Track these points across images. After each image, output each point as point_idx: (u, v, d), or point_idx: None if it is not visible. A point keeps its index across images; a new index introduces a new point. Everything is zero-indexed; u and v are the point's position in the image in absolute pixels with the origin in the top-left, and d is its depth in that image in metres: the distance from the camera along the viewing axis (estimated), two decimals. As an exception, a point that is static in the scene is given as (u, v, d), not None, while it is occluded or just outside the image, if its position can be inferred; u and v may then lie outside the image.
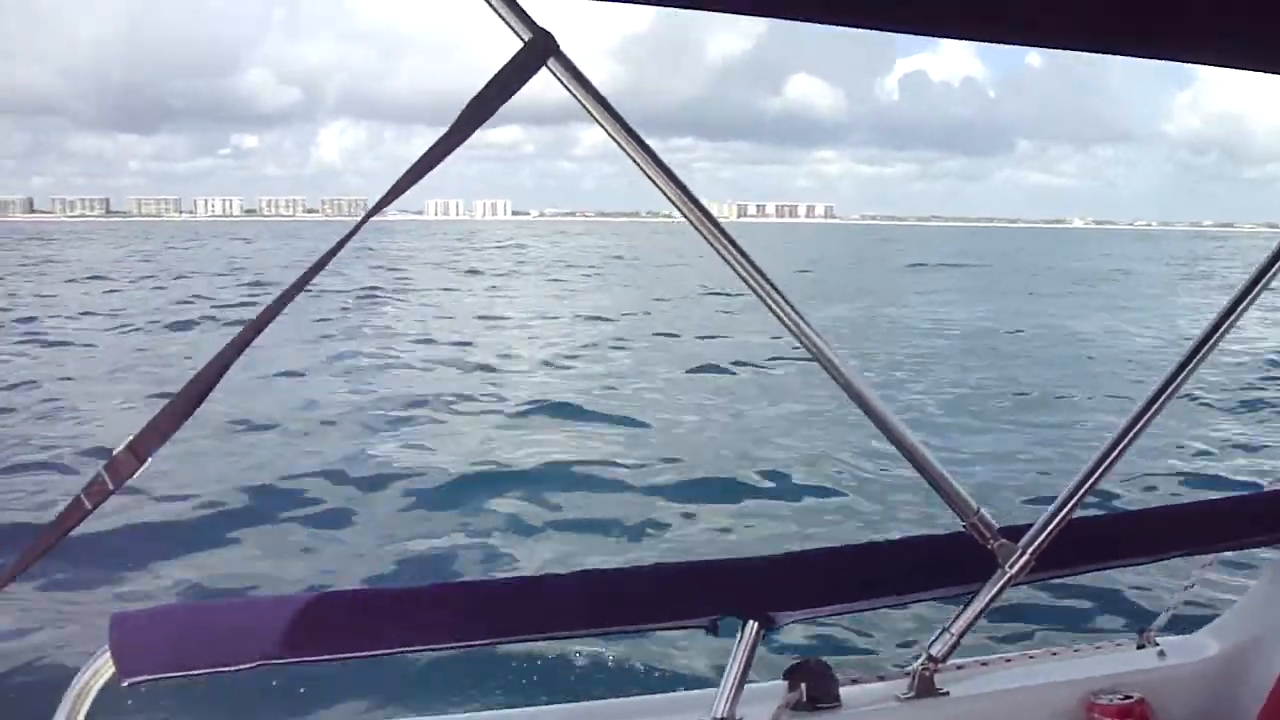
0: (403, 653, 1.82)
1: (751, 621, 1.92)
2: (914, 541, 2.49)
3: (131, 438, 1.51)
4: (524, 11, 1.60)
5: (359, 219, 1.59)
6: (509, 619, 1.85)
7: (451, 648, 1.93)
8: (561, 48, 1.62)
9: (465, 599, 1.91)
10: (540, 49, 1.60)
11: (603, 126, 1.73)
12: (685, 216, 1.83)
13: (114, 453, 1.51)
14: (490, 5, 1.59)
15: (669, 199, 1.81)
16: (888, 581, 2.17)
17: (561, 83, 1.66)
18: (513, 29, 1.60)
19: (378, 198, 1.54)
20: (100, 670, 1.59)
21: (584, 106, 1.70)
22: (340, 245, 1.55)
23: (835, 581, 2.11)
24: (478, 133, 1.53)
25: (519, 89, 1.59)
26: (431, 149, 1.55)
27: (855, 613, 2.77)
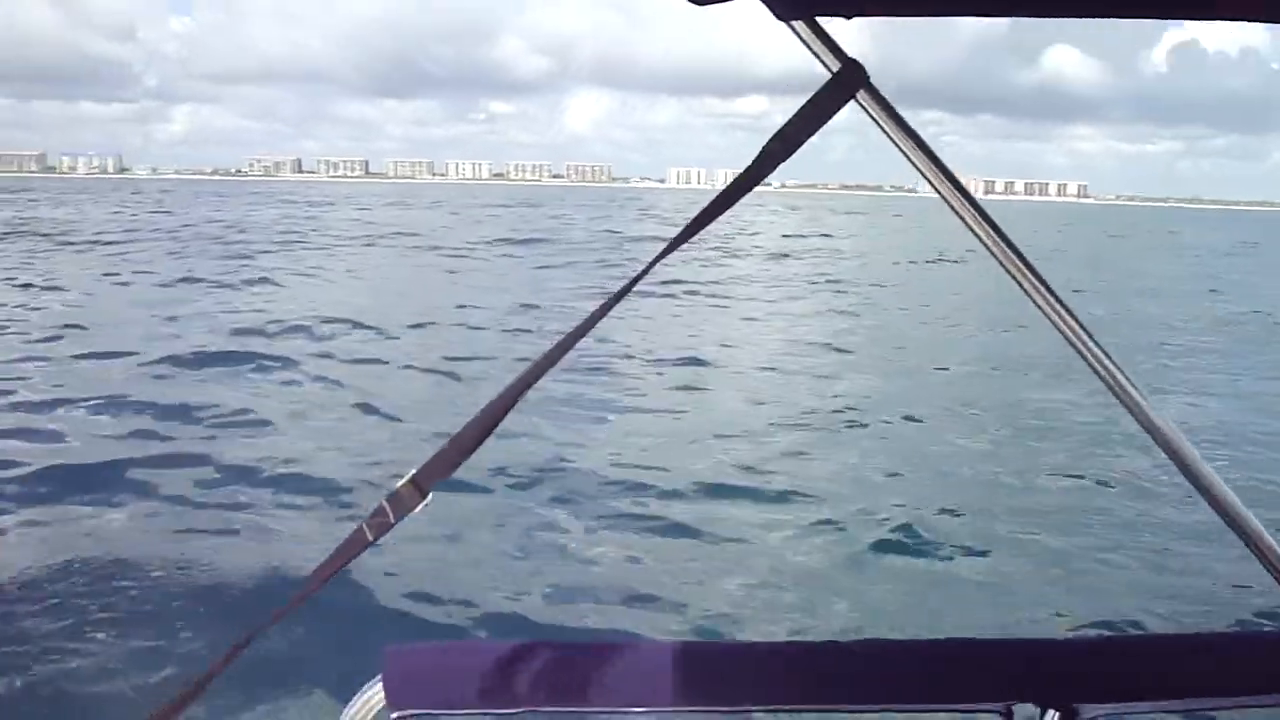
0: (680, 712, 1.72)
1: (1052, 712, 1.72)
2: (1259, 637, 2.15)
3: (415, 470, 1.53)
4: (834, 42, 1.53)
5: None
6: (788, 685, 1.72)
7: (721, 712, 1.76)
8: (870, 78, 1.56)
9: (745, 660, 1.79)
10: (850, 80, 1.52)
11: (908, 158, 1.62)
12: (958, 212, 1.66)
13: (397, 486, 1.52)
14: (799, 37, 1.53)
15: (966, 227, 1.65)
16: (1223, 679, 1.83)
17: (868, 113, 1.57)
18: (821, 60, 1.53)
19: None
20: (371, 701, 1.63)
21: (889, 137, 1.60)
22: (653, 264, 1.51)
23: (1157, 673, 1.82)
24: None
25: (827, 120, 1.50)
26: (734, 183, 1.48)
27: (1176, 712, 2.44)
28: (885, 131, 1.60)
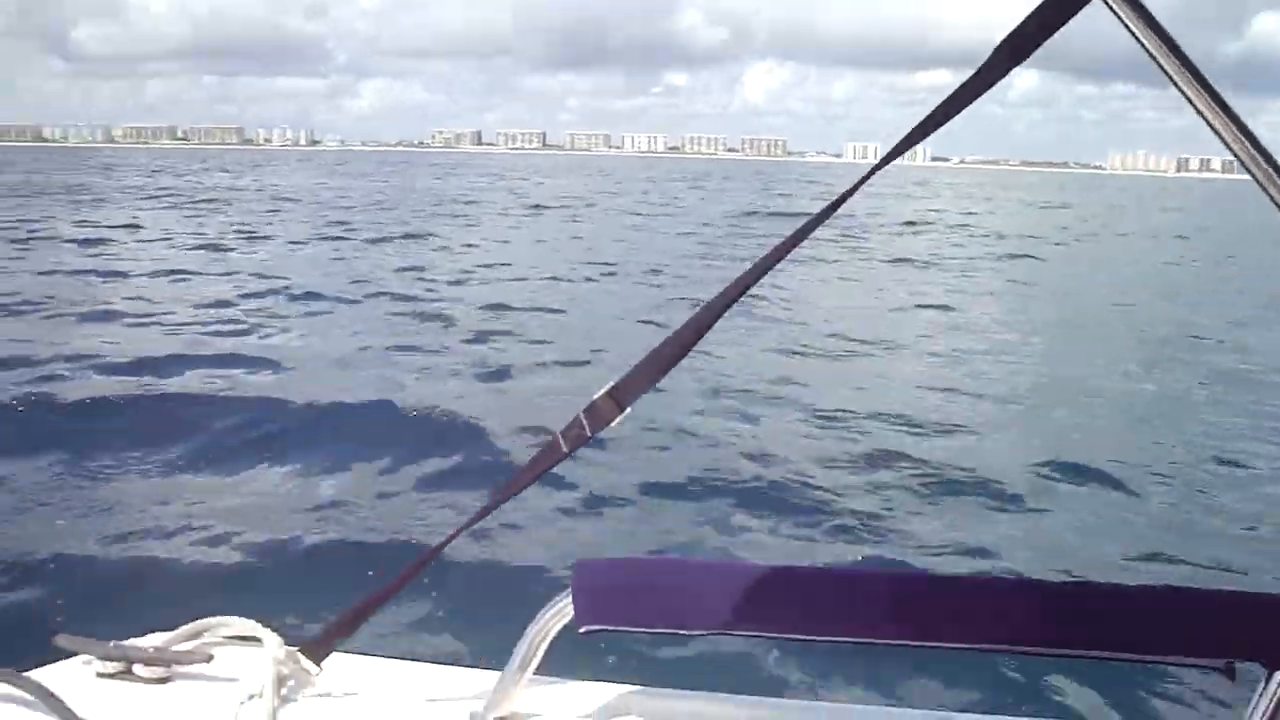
0: (876, 644, 1.57)
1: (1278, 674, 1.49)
2: None
3: (614, 383, 1.56)
4: None
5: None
6: (995, 624, 1.54)
7: (919, 647, 1.59)
8: None
9: (944, 595, 1.61)
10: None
11: (1161, 66, 1.40)
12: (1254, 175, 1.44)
13: (594, 398, 1.56)
14: None
15: (1239, 158, 1.44)
16: None
17: (1115, 12, 1.36)
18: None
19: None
20: (561, 613, 1.58)
21: (1141, 43, 1.38)
22: (847, 195, 1.52)
23: None
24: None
25: (1063, 24, 1.37)
26: (956, 93, 1.40)
27: None
28: (1136, 36, 1.39)
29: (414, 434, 9.53)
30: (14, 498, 7.47)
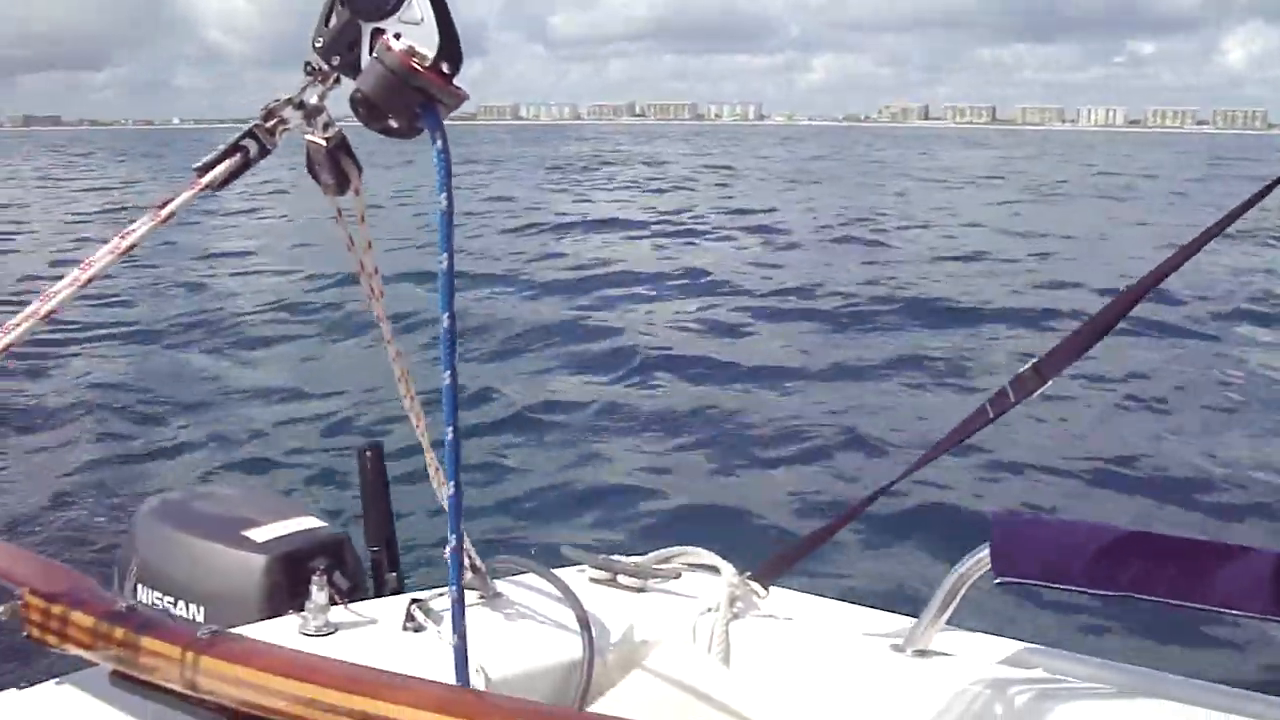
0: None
1: None
2: None
3: (1038, 358, 1.64)
4: None
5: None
6: None
7: None
8: None
9: None
10: None
11: None
12: None
13: (1021, 370, 1.66)
14: None
15: None
16: None
17: None
18: None
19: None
20: (979, 564, 1.70)
21: None
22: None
23: None
24: None
25: None
26: None
27: None
28: None
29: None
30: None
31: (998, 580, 1.68)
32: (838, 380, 10.80)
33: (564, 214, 26.79)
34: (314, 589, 1.96)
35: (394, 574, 2.57)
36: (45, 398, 9.50)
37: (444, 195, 1.20)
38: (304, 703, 1.12)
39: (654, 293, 15.70)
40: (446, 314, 1.22)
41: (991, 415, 1.72)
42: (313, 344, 12.28)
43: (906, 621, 1.88)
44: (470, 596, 2.00)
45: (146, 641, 1.26)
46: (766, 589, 2.01)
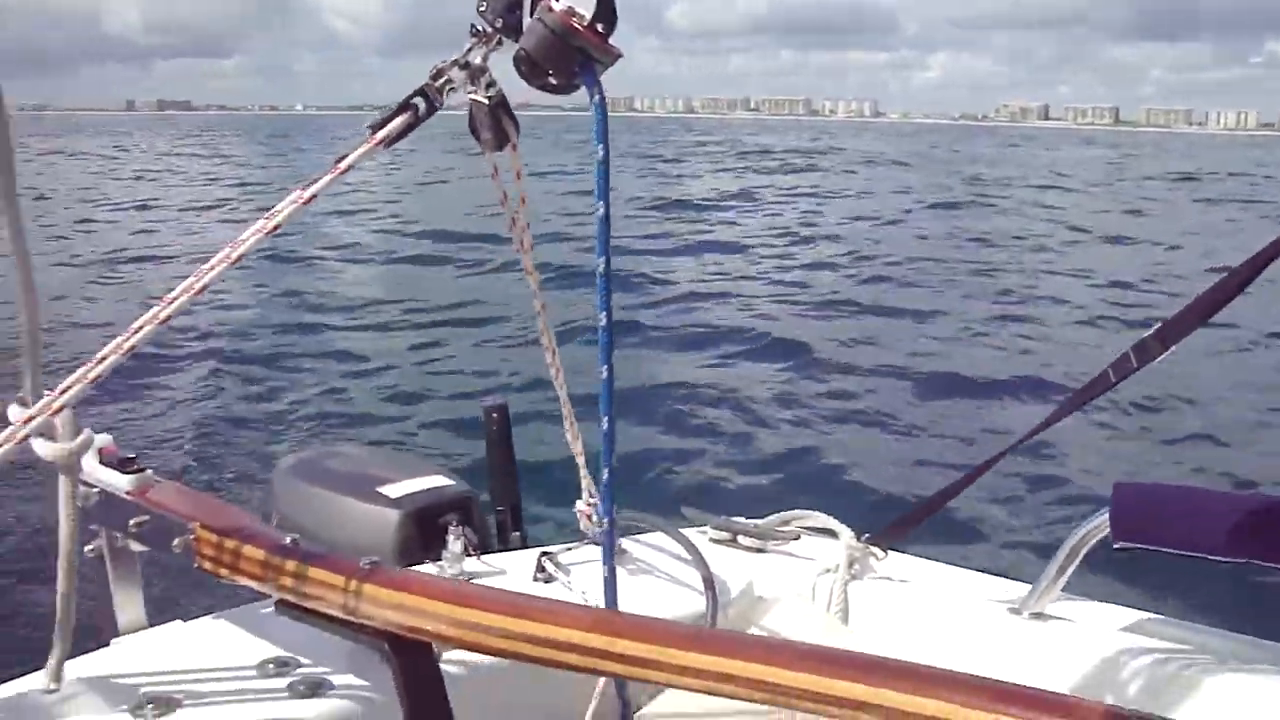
0: None
1: None
2: None
3: (1161, 324, 1.68)
4: None
5: None
6: None
7: None
8: None
9: None
10: None
11: None
12: None
13: (1144, 336, 1.69)
14: None
15: None
16: None
17: None
18: None
19: None
20: (1098, 528, 1.74)
21: None
22: None
23: None
24: None
25: None
26: None
27: None
28: None
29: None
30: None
31: (1117, 545, 1.69)
32: (958, 345, 11.08)
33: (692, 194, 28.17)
34: (450, 538, 2.06)
35: (517, 533, 2.67)
36: (183, 357, 9.90)
37: (600, 146, 1.29)
38: (464, 626, 1.20)
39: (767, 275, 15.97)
40: (602, 259, 1.31)
41: (1114, 379, 1.74)
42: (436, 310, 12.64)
43: (1022, 588, 1.91)
44: (595, 552, 2.08)
45: (313, 572, 1.34)
46: (885, 552, 2.06)
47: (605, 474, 1.44)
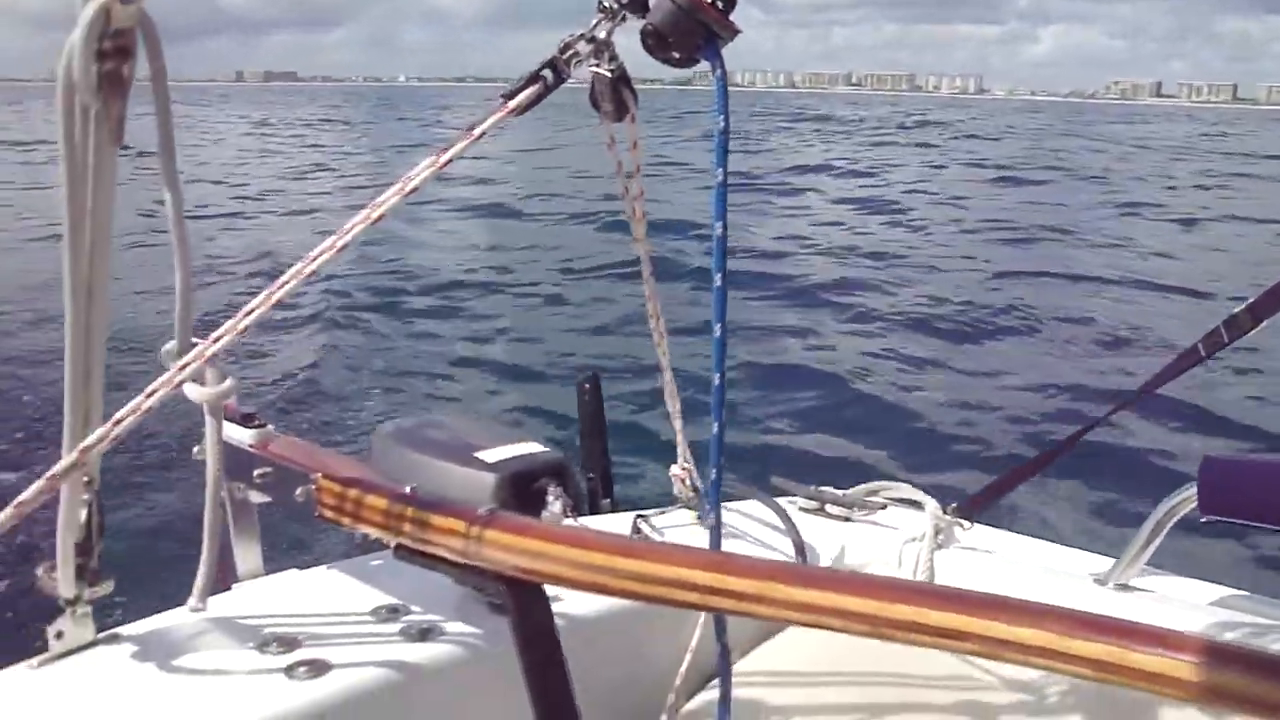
0: None
1: None
2: None
3: (1253, 300, 1.69)
4: None
5: None
6: None
7: None
8: None
9: None
10: None
11: None
12: None
13: (1235, 311, 1.71)
14: None
15: None
16: None
17: None
18: None
19: None
20: (1186, 501, 1.74)
21: None
22: None
23: None
24: None
25: None
26: None
27: None
28: None
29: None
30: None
31: (1204, 518, 1.68)
32: (1045, 318, 11.17)
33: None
34: (550, 498, 2.15)
35: (608, 499, 2.76)
36: (292, 321, 10.17)
37: (722, 117, 1.37)
38: (582, 567, 1.25)
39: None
40: (720, 223, 1.38)
41: (1204, 354, 1.76)
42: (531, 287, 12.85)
43: (1106, 561, 1.93)
44: (688, 517, 2.15)
45: (435, 519, 1.39)
46: (970, 523, 2.10)
47: (715, 380, 1.47)
